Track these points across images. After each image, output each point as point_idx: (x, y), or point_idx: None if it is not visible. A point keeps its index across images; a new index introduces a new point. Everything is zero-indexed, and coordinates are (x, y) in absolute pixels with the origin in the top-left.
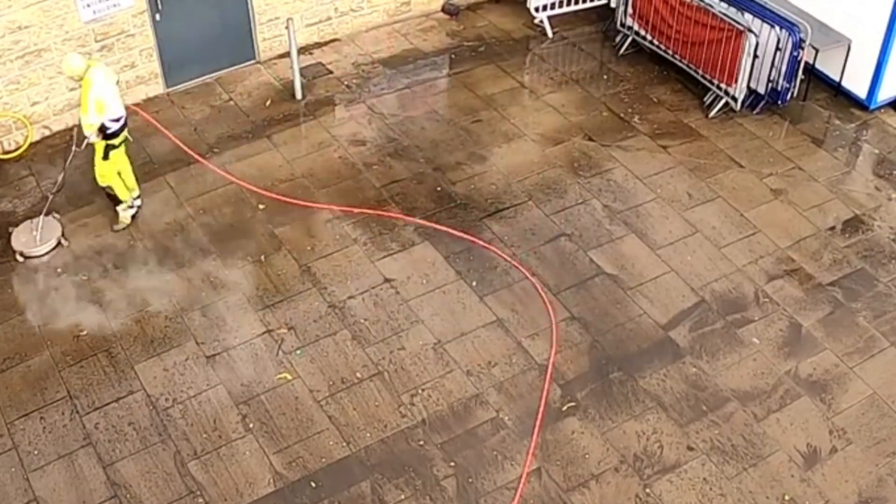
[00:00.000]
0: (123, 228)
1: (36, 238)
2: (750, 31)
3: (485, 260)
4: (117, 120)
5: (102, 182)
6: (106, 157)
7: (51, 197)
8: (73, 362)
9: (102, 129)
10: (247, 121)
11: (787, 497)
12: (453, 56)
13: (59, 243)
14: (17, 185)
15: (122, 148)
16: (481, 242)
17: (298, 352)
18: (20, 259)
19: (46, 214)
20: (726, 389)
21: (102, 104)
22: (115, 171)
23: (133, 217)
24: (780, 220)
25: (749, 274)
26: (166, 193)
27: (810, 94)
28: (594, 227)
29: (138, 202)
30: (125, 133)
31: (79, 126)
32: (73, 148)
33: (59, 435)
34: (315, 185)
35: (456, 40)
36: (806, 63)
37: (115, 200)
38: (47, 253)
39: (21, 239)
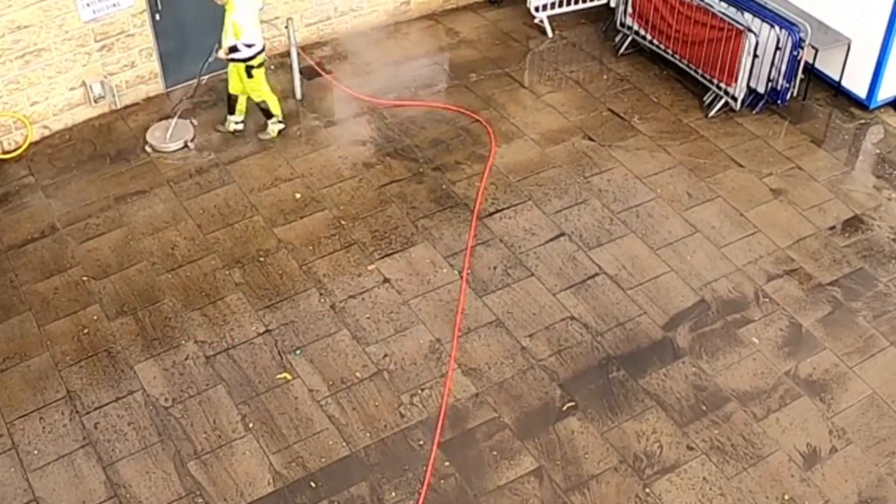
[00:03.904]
0: (269, 139)
1: (167, 135)
2: (750, 30)
3: (484, 260)
4: (249, 46)
5: (256, 98)
6: (249, 75)
7: (184, 100)
8: (72, 362)
9: (233, 50)
10: (246, 120)
11: (786, 497)
12: (453, 55)
13: (185, 145)
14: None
15: (263, 69)
16: None
17: (298, 352)
18: (148, 150)
19: (181, 117)
20: (726, 389)
21: (238, 28)
22: (263, 87)
23: (279, 132)
24: (779, 220)
25: (749, 274)
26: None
27: (810, 93)
28: (594, 226)
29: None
30: (262, 56)
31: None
32: (209, 58)
33: (59, 435)
34: (315, 184)
35: (455, 40)
36: (806, 62)
37: (268, 114)
38: (174, 151)
39: (155, 134)
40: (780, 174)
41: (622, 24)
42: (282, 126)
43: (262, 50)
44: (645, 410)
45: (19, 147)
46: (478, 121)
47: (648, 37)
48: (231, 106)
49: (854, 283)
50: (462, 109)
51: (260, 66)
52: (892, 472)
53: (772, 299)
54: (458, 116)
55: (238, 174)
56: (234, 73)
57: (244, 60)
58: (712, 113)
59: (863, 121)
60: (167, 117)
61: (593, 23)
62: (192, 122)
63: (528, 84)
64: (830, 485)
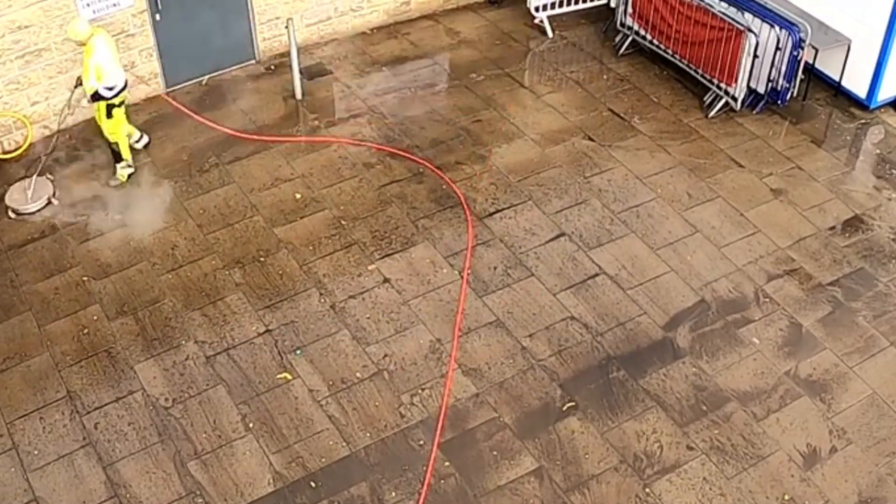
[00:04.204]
0: (118, 185)
1: (28, 196)
2: (750, 30)
3: (485, 260)
4: (111, 88)
5: (111, 138)
6: (109, 115)
7: (44, 158)
8: (73, 362)
9: (96, 96)
10: (246, 120)
11: (786, 497)
12: (453, 55)
13: (49, 202)
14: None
15: (123, 108)
16: None
17: (298, 352)
18: (12, 216)
19: (39, 175)
20: (726, 389)
21: (101, 71)
22: (121, 128)
23: (129, 177)
24: (780, 220)
25: (749, 274)
26: None
27: (810, 93)
28: (594, 226)
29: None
30: (125, 94)
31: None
32: (66, 110)
33: (59, 435)
34: (315, 184)
35: (455, 40)
36: (806, 63)
37: (118, 158)
38: (38, 211)
39: (14, 197)
40: (781, 174)
41: (622, 24)
42: (131, 171)
43: (125, 87)
44: (645, 410)
45: (19, 147)
46: (450, 187)
47: (648, 37)
48: (116, 154)
49: (854, 283)
50: (431, 167)
51: (121, 104)
52: (892, 472)
53: (772, 299)
54: (459, 116)
55: (238, 174)
56: (99, 111)
57: (110, 99)
58: (712, 113)
59: (863, 121)
60: (24, 178)
61: (593, 23)
62: (48, 178)
63: (528, 84)
64: (830, 485)
